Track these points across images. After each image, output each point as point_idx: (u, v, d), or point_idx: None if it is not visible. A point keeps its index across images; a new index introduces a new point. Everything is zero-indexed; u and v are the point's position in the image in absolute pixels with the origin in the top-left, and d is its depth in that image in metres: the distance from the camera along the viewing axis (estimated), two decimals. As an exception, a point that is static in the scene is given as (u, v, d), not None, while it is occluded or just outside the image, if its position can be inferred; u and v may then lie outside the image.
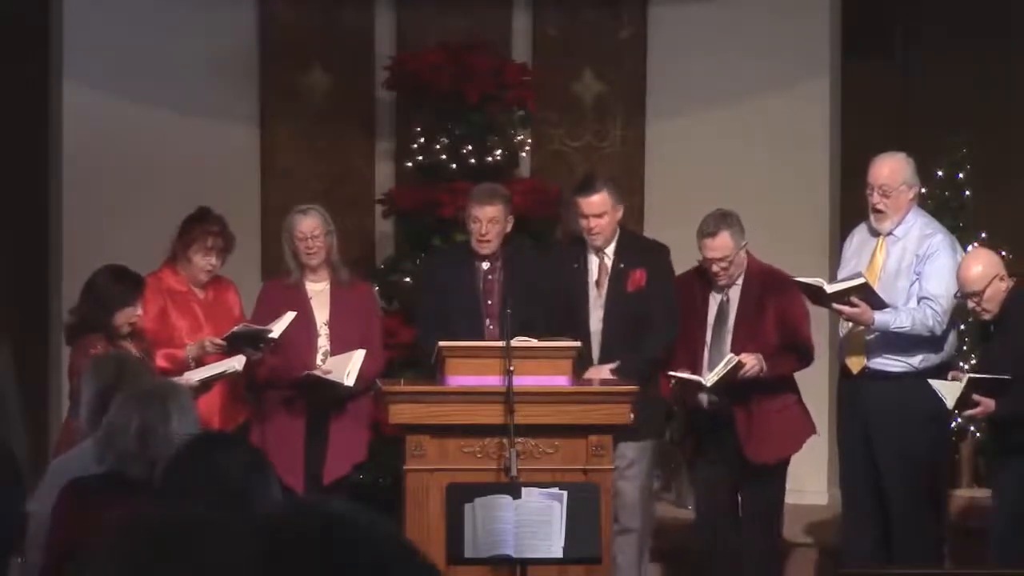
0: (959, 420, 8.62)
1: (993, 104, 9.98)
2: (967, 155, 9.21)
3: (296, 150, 10.15)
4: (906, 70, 10.22)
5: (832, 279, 7.88)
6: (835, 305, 7.54)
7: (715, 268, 7.65)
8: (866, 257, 7.79)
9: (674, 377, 7.51)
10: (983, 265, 7.26)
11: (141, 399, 4.86)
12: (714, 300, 7.76)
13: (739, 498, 7.82)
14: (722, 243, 7.62)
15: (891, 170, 7.73)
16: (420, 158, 9.57)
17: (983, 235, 8.94)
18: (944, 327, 7.63)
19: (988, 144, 9.51)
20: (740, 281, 7.74)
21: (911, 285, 7.66)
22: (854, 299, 7.48)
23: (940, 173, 8.72)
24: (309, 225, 7.89)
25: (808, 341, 7.74)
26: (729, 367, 7.42)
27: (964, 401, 7.17)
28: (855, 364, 7.75)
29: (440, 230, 9.14)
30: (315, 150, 10.17)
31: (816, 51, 10.14)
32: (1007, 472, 7.37)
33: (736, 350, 7.57)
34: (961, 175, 9.19)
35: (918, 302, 7.61)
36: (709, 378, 7.43)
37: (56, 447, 7.02)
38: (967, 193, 9.19)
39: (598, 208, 7.82)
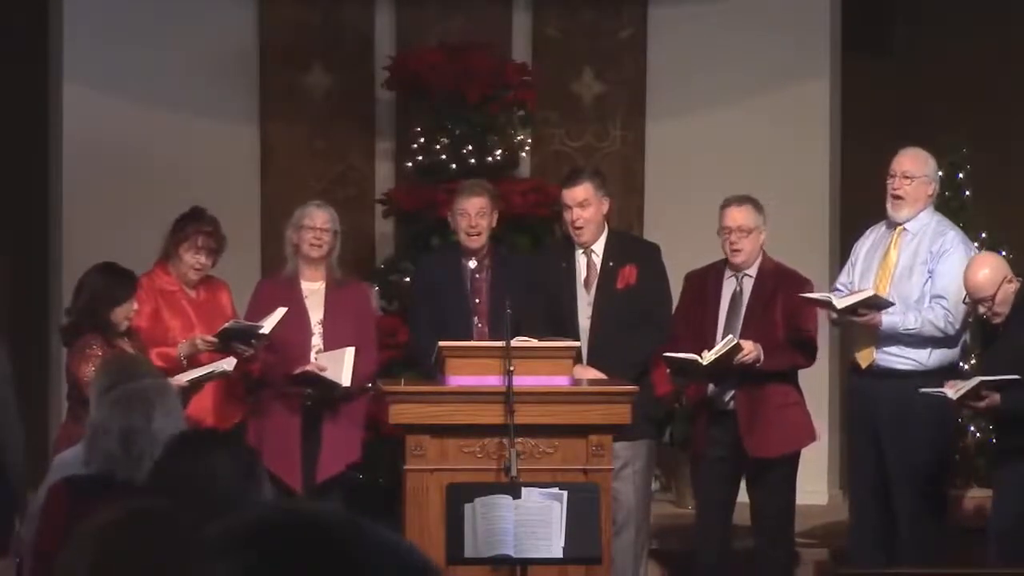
0: (959, 420, 8.62)
1: (993, 104, 9.98)
2: (967, 155, 9.21)
3: (296, 150, 10.15)
4: (906, 70, 10.22)
5: (834, 277, 7.91)
6: (845, 317, 7.61)
7: (732, 238, 7.67)
8: (880, 253, 7.82)
9: (670, 359, 7.51)
10: (990, 270, 7.27)
11: (123, 401, 4.85)
12: (727, 293, 7.77)
13: (749, 502, 7.83)
14: (742, 214, 7.67)
15: (915, 159, 7.85)
16: (420, 158, 9.57)
17: (983, 235, 8.94)
18: (957, 327, 7.64)
19: (988, 144, 9.51)
20: (753, 273, 7.75)
21: (925, 282, 7.69)
22: (861, 310, 7.52)
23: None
24: (323, 218, 7.95)
25: (812, 341, 7.75)
26: (728, 347, 7.45)
27: (970, 395, 7.18)
28: (864, 359, 7.77)
29: (440, 230, 9.13)
30: (315, 150, 10.17)
31: (816, 51, 10.15)
32: (1008, 471, 7.37)
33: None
34: (961, 175, 9.20)
35: (930, 301, 7.65)
36: (707, 356, 7.45)
37: (55, 448, 7.02)
38: (967, 193, 9.20)
39: (581, 196, 7.81)
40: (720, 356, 7.45)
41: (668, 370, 7.64)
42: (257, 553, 1.74)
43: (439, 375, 7.28)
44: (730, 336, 7.54)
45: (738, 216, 7.68)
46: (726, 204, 7.74)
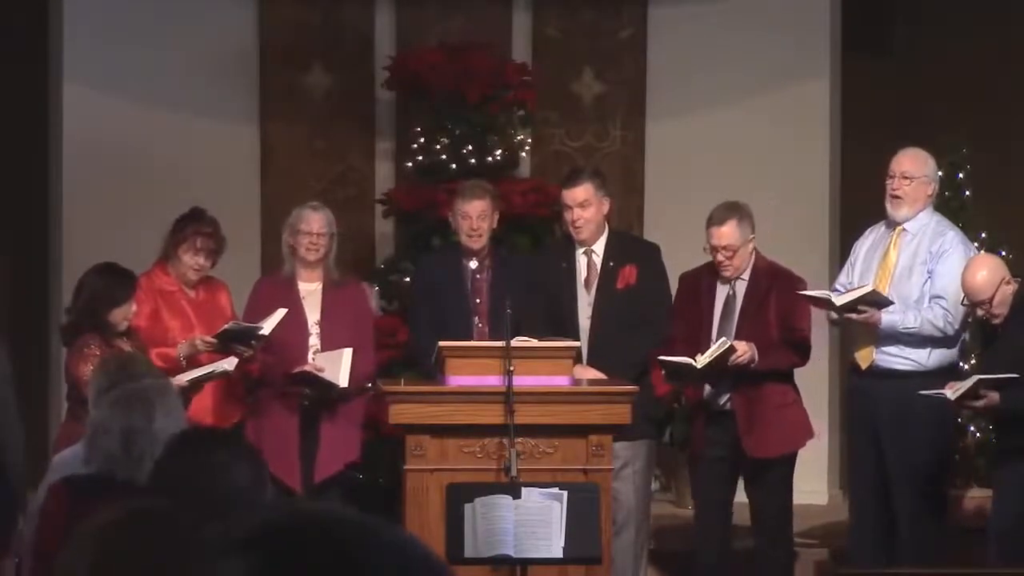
0: (959, 420, 8.62)
1: (993, 104, 9.98)
2: (967, 155, 9.21)
3: (296, 150, 10.15)
4: (906, 70, 10.21)
5: (834, 277, 7.90)
6: (844, 315, 7.60)
7: (719, 257, 7.68)
8: (879, 253, 7.82)
9: (665, 362, 7.51)
10: (988, 272, 7.27)
11: (124, 400, 4.85)
12: (720, 294, 7.77)
13: (748, 502, 7.84)
14: (728, 232, 7.65)
15: (915, 160, 7.85)
16: (420, 158, 9.57)
17: (983, 235, 8.94)
18: (957, 327, 7.64)
19: (988, 144, 9.51)
20: (747, 276, 7.75)
21: (924, 283, 7.69)
22: (861, 307, 7.52)
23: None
24: (318, 222, 7.94)
25: (806, 340, 7.76)
26: (721, 350, 7.45)
27: (968, 394, 7.18)
28: (863, 359, 7.77)
29: (440, 230, 9.13)
30: (315, 150, 10.17)
31: (816, 51, 10.15)
32: (1008, 471, 7.37)
33: None
34: (961, 175, 9.20)
35: (930, 301, 7.64)
36: (701, 360, 7.45)
37: (55, 448, 7.01)
38: (967, 193, 9.20)
39: (581, 197, 7.81)
40: (714, 359, 7.45)
41: (663, 373, 7.64)
42: (259, 554, 1.73)
43: (439, 375, 7.28)
44: (723, 339, 7.54)
45: (724, 236, 7.66)
46: (710, 222, 7.70)
